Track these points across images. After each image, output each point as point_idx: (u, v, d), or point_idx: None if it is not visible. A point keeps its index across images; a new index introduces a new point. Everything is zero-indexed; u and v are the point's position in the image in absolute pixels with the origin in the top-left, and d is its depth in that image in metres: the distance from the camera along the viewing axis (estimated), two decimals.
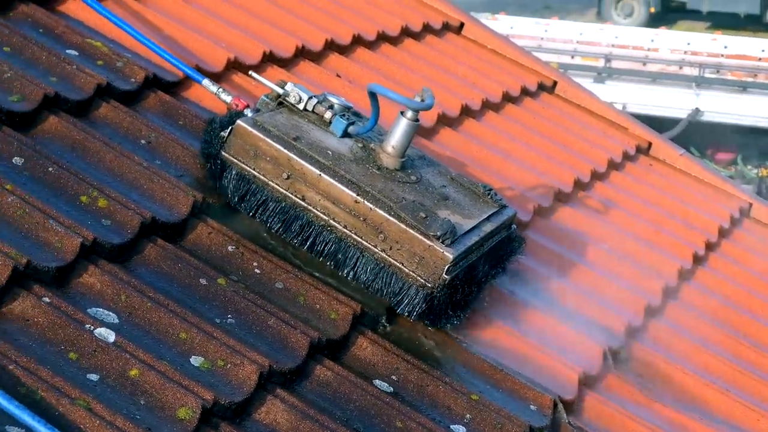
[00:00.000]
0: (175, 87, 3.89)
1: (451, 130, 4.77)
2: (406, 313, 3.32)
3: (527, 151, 4.98)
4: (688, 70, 18.75)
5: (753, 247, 5.33)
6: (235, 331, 2.96)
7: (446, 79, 5.20)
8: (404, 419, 2.99)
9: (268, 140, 3.38)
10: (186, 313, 2.89)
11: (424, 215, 3.29)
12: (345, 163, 3.40)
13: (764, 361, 4.38)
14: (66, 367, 2.59)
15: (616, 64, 18.93)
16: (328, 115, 3.56)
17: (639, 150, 5.72)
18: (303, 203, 3.36)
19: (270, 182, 3.38)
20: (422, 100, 3.42)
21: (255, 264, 3.27)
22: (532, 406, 3.35)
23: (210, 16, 4.47)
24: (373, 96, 3.45)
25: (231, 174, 3.42)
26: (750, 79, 18.75)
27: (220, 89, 3.80)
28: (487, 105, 5.21)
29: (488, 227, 3.49)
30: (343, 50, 4.92)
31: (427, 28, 5.67)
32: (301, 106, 3.57)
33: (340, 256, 3.36)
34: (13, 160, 3.12)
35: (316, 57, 4.71)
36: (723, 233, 5.32)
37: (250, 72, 3.89)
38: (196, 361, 2.79)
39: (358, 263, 3.34)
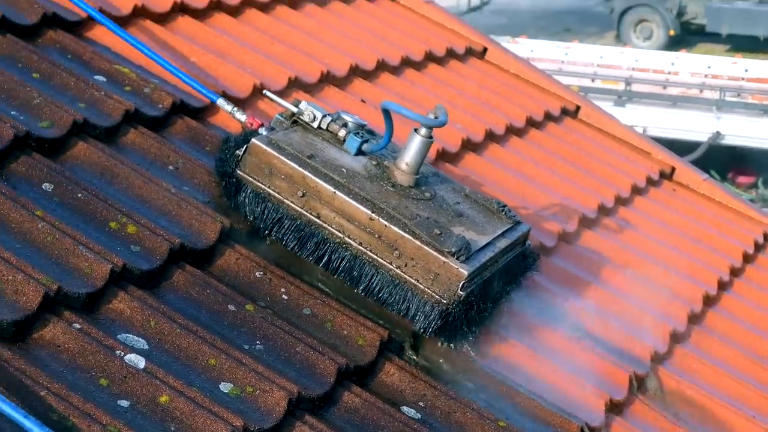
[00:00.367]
0: (201, 113, 3.91)
1: (476, 156, 4.78)
2: (422, 330, 3.33)
3: (551, 176, 4.99)
4: (708, 94, 18.70)
5: None
6: (264, 358, 2.96)
7: (470, 104, 5.21)
8: None
9: (283, 158, 3.40)
10: (215, 339, 2.90)
11: (438, 232, 3.30)
12: (359, 181, 3.41)
13: None
14: (97, 393, 2.60)
15: (636, 87, 18.88)
16: (342, 133, 3.58)
17: (662, 175, 5.72)
18: (318, 221, 3.37)
19: (285, 200, 3.40)
20: (435, 117, 3.44)
21: (282, 290, 3.28)
22: None
23: (235, 42, 4.50)
24: (386, 113, 3.47)
25: (246, 192, 3.44)
26: None
27: (235, 108, 3.82)
28: (510, 130, 5.22)
29: (502, 243, 3.50)
30: (368, 75, 4.94)
31: (450, 53, 5.68)
32: (315, 125, 3.59)
33: (355, 272, 3.37)
34: (43, 186, 3.14)
35: (341, 82, 4.73)
36: (747, 258, 5.31)
37: (264, 91, 3.91)
38: (225, 387, 2.79)
39: (373, 280, 3.35)
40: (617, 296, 4.29)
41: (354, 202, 3.33)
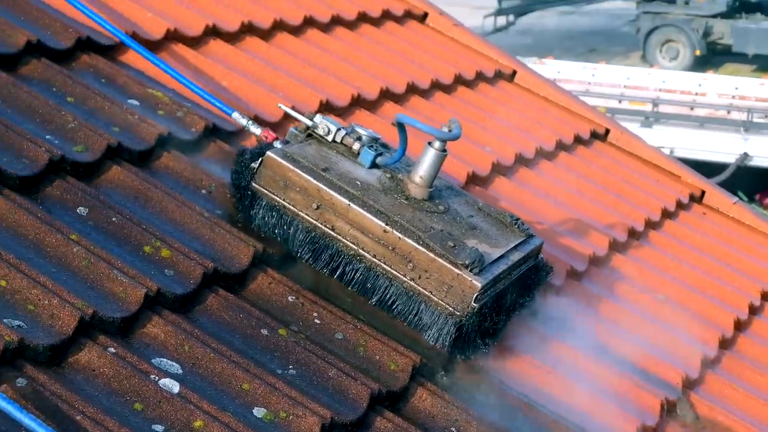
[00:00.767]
0: (233, 136, 3.93)
1: (505, 179, 4.78)
2: (436, 342, 3.33)
3: (581, 199, 4.99)
4: (736, 115, 18.65)
5: None
6: (297, 383, 2.97)
7: (500, 127, 5.22)
8: None
9: (298, 171, 3.41)
10: (248, 364, 2.90)
11: (452, 244, 3.31)
12: (374, 194, 3.43)
13: None
14: (132, 417, 2.60)
15: (663, 108, 18.84)
16: (356, 146, 3.59)
17: (692, 198, 5.71)
18: (332, 233, 3.39)
19: (300, 212, 3.42)
20: (449, 131, 3.45)
21: (315, 314, 3.29)
22: None
23: (266, 65, 4.52)
24: (401, 127, 3.48)
25: (261, 204, 3.46)
26: None
27: (250, 122, 3.84)
28: (540, 153, 5.22)
29: (516, 256, 3.51)
30: (398, 99, 4.95)
31: (480, 76, 5.69)
32: (329, 138, 3.60)
33: (369, 285, 3.39)
34: (78, 210, 3.16)
35: (371, 105, 4.75)
36: None
37: (278, 104, 3.94)
38: (258, 412, 2.80)
39: (387, 292, 3.37)
40: (647, 320, 4.28)
41: (368, 215, 3.35)
